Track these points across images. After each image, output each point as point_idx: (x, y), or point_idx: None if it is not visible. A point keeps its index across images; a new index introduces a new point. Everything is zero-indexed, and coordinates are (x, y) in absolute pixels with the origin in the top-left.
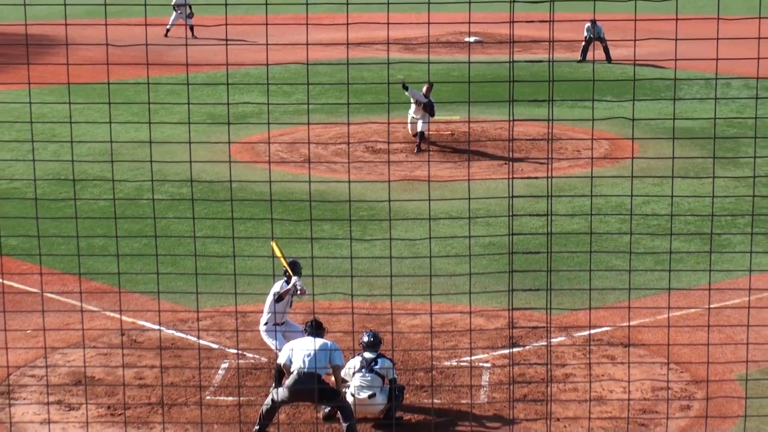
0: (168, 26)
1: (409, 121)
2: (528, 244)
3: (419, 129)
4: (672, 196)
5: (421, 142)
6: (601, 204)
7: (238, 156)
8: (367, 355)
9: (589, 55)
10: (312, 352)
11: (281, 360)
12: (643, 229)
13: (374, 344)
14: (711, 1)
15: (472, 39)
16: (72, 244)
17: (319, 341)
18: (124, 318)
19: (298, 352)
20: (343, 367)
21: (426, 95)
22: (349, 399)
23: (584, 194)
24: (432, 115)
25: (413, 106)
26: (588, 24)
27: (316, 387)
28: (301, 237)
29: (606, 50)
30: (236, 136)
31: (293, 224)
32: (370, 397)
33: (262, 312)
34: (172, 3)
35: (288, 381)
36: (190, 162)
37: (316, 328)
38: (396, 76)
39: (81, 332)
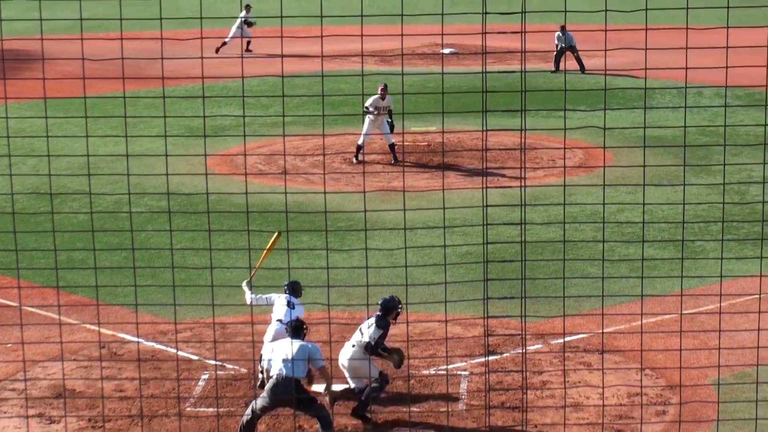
0: (248, 39)
1: (366, 132)
2: (504, 252)
3: (389, 141)
4: (644, 204)
5: (395, 152)
6: (576, 212)
7: (216, 168)
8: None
9: (562, 65)
10: (290, 357)
11: (263, 362)
12: (617, 237)
13: (381, 310)
14: (681, 12)
15: (447, 50)
16: (51, 258)
17: (297, 344)
18: (103, 331)
19: (278, 355)
20: (324, 368)
21: (383, 97)
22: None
23: (559, 203)
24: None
25: (368, 122)
26: (558, 32)
27: (294, 393)
28: (279, 248)
29: (578, 60)
30: (215, 149)
31: (272, 235)
32: (352, 345)
33: (242, 323)
34: (239, 17)
35: (267, 386)
36: (167, 175)
37: (295, 330)
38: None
39: (60, 345)
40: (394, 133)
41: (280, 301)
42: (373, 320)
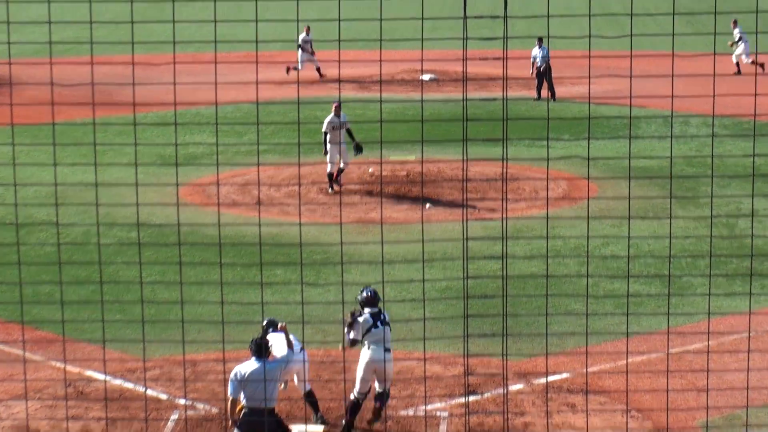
0: (298, 66)
1: (332, 160)
2: (485, 287)
3: (342, 165)
4: (629, 238)
5: (338, 176)
6: (560, 246)
7: (188, 198)
8: (370, 310)
9: (544, 93)
10: (261, 383)
11: (231, 393)
12: (602, 272)
13: (374, 300)
14: (666, 39)
15: (426, 77)
16: (16, 292)
17: (268, 366)
18: (69, 368)
19: (248, 383)
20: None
21: (338, 114)
22: (368, 357)
23: (542, 236)
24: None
25: (329, 147)
26: (534, 49)
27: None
28: (253, 282)
29: (550, 85)
30: (187, 178)
31: (245, 269)
32: (386, 350)
33: (213, 360)
34: (298, 42)
35: (241, 417)
36: (137, 205)
37: (261, 349)
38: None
39: (24, 383)
40: (362, 153)
41: (275, 338)
42: (374, 323)
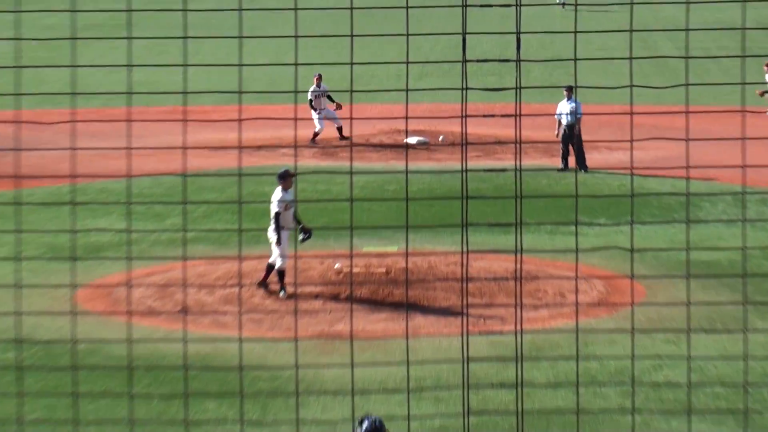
0: (316, 128)
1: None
2: (494, 426)
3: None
4: (689, 358)
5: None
6: (595, 370)
7: (89, 305)
8: None
9: (572, 161)
10: None
11: None
12: (653, 405)
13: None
14: (734, 89)
15: (413, 139)
16: None
17: None
18: None
19: None
20: None
21: (286, 188)
22: None
23: (571, 356)
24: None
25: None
26: (561, 102)
27: None
28: (174, 420)
29: (580, 152)
30: (88, 277)
31: (165, 402)
32: None
33: None
34: (309, 98)
35: None
36: (18, 314)
37: None
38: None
39: None
40: (310, 238)
41: None
42: None
